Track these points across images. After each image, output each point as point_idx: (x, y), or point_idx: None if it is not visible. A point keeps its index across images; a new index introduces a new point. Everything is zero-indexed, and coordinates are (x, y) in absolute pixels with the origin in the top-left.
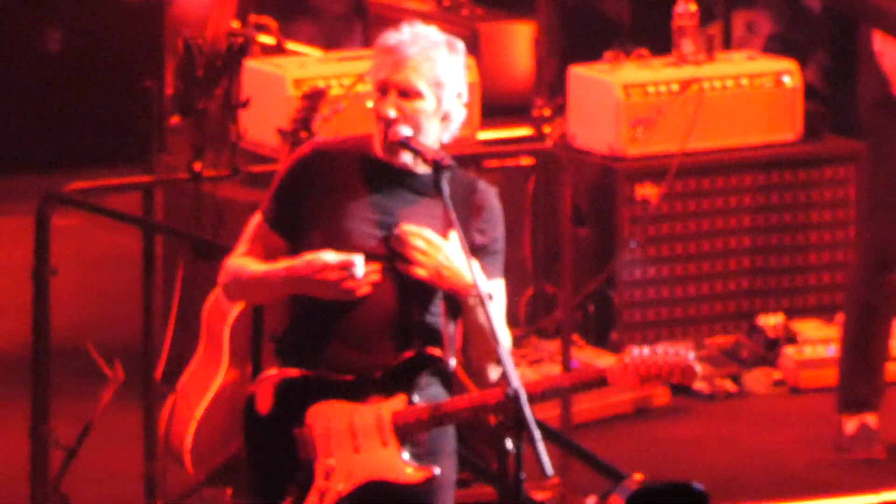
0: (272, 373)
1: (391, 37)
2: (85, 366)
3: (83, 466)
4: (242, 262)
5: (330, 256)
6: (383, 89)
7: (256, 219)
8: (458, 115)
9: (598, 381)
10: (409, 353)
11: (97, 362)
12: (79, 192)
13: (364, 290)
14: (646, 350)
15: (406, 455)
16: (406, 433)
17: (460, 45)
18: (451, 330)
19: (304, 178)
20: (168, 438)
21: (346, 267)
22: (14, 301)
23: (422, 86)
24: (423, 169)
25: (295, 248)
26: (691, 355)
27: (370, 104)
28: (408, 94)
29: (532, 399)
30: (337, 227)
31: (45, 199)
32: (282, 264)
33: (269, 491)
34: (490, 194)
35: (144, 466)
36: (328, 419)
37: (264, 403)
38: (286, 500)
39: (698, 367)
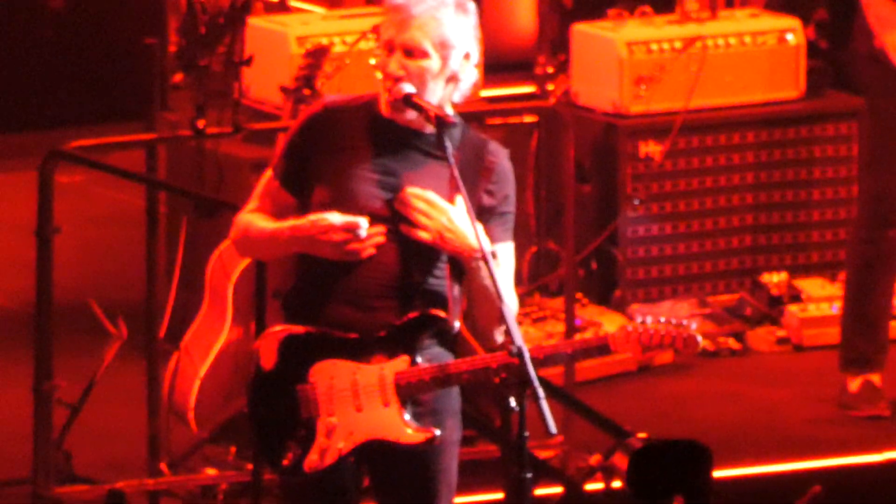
0: (277, 329)
1: None
2: (88, 323)
3: (86, 424)
4: (252, 218)
5: (335, 217)
6: (389, 48)
7: (267, 175)
8: (468, 75)
9: (601, 347)
10: (412, 314)
11: (100, 320)
12: (82, 149)
13: (368, 251)
14: (649, 318)
15: (407, 415)
16: (408, 393)
17: (471, 5)
18: (456, 292)
19: (313, 136)
20: (171, 396)
21: (351, 229)
22: (18, 258)
23: (426, 45)
24: (430, 129)
25: (303, 206)
26: (693, 325)
27: (373, 61)
28: (412, 53)
29: (534, 364)
30: (343, 187)
31: (47, 156)
32: (288, 223)
33: (271, 447)
34: (501, 156)
35: (148, 424)
36: (331, 377)
37: (268, 359)
38: (287, 456)
39: (700, 338)
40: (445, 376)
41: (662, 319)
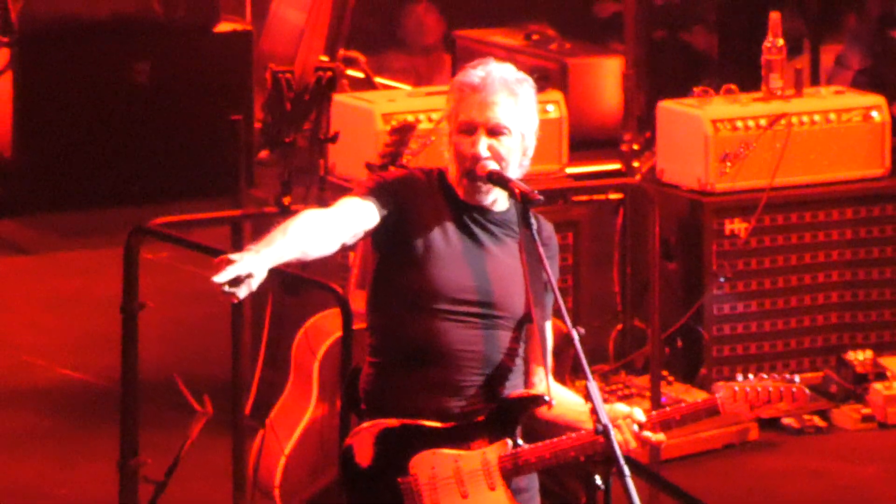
0: (369, 424)
1: (471, 75)
2: (174, 400)
3: (171, 501)
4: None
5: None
6: (468, 129)
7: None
8: (532, 149)
9: (710, 410)
10: (511, 395)
11: (186, 396)
12: (166, 226)
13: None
14: (751, 376)
15: (515, 497)
16: (513, 475)
17: (531, 80)
18: (550, 368)
19: (405, 193)
20: (257, 473)
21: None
22: (104, 334)
23: (509, 123)
24: (499, 207)
25: (383, 270)
26: (797, 378)
27: (446, 141)
28: (496, 132)
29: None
30: (427, 272)
31: (132, 232)
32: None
33: None
34: (551, 230)
35: (233, 501)
36: (432, 466)
37: (364, 455)
38: None
39: (807, 389)
40: (551, 455)
41: (765, 376)
